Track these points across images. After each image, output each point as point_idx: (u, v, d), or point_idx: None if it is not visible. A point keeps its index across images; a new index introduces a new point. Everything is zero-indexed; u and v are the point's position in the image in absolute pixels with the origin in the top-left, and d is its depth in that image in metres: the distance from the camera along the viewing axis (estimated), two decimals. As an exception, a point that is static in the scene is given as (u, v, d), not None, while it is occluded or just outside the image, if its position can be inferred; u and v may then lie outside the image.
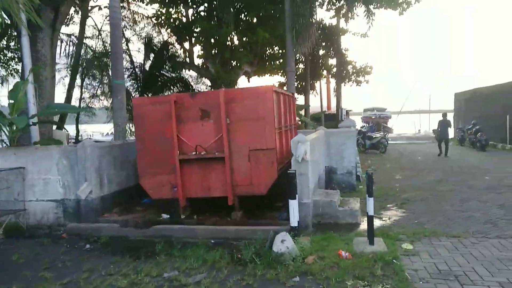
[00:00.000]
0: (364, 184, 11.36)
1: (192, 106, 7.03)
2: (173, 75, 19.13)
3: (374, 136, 20.47)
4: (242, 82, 19.02)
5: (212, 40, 15.43)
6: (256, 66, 17.99)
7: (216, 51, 15.87)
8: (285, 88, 20.49)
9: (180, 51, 17.42)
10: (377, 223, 7.23)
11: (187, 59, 16.43)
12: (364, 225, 7.04)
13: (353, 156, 10.27)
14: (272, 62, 21.40)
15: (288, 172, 5.96)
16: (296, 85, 25.29)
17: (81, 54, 18.38)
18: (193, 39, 16.05)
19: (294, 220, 5.90)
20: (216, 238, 6.42)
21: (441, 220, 7.29)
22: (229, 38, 15.24)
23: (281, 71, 24.37)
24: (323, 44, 23.55)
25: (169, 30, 16.50)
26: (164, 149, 7.11)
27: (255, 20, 16.73)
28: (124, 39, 20.22)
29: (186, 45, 17.44)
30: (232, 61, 16.65)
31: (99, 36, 20.68)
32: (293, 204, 5.89)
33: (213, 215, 7.34)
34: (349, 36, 29.52)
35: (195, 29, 15.35)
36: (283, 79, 24.95)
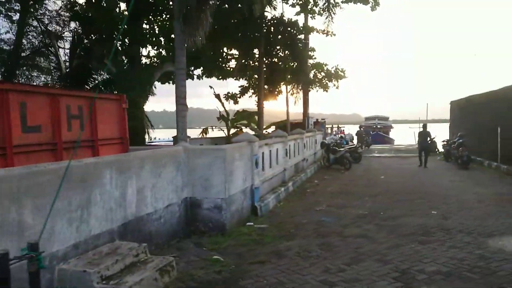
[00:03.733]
0: (264, 221, 8.28)
1: None
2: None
3: (338, 150, 17.30)
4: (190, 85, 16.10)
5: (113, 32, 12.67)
6: (192, 65, 15.09)
7: (119, 45, 13.08)
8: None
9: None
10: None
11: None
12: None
13: (224, 184, 7.21)
14: (223, 63, 18.48)
15: None
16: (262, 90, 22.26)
17: None
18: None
19: None
20: None
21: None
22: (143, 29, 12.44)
23: (242, 74, 21.34)
24: (287, 43, 20.17)
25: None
26: None
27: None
28: (46, 34, 17.85)
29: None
30: (147, 58, 13.83)
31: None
32: None
33: None
34: (330, 40, 26.24)
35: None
36: (245, 83, 21.92)
